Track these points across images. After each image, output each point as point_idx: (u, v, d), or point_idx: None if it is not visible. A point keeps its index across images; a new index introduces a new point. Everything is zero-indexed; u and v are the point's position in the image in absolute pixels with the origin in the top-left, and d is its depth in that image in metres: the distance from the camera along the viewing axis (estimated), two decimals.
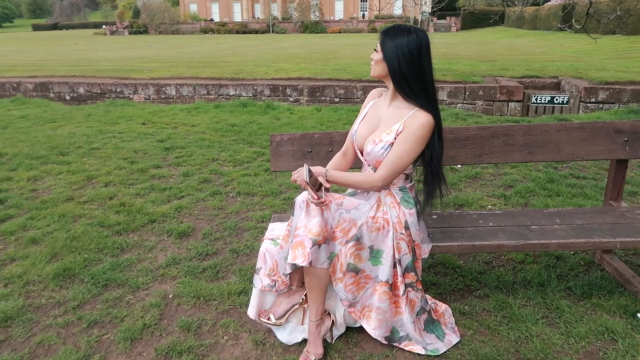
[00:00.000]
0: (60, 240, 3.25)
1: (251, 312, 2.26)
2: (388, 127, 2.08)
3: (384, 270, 2.09)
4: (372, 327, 2.14)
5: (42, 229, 3.46)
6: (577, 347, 2.16)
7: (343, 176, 2.07)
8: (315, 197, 1.92)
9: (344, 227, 2.02)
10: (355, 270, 2.07)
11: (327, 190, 2.00)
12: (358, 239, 2.04)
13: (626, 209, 2.51)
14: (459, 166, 4.70)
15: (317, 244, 1.95)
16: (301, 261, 1.92)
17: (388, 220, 2.07)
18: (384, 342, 2.16)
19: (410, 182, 2.20)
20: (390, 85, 2.10)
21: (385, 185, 2.09)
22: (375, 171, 2.10)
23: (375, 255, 2.08)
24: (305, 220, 1.97)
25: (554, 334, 2.24)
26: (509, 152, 2.55)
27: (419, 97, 2.04)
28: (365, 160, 2.16)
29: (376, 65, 2.08)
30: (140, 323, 2.41)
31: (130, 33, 52.28)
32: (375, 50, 2.09)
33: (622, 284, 2.58)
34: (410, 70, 2.01)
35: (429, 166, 2.11)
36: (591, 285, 2.58)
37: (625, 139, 2.51)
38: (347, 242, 2.03)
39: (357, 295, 2.12)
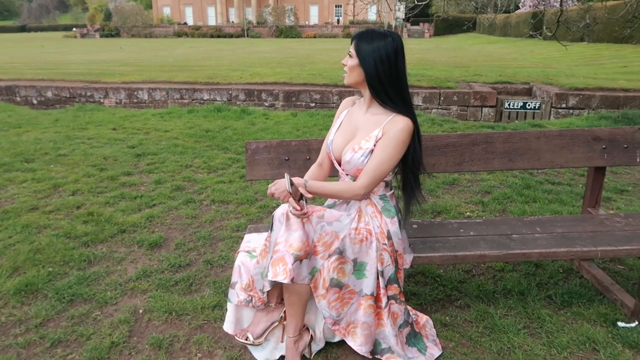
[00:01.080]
0: (22, 253, 3.07)
1: (228, 327, 2.15)
2: (366, 134, 2.02)
3: (368, 284, 2.01)
4: (359, 343, 2.05)
5: (3, 241, 3.28)
6: (559, 358, 2.13)
7: (323, 186, 1.99)
8: (298, 207, 1.84)
9: (326, 240, 1.94)
10: (339, 286, 1.98)
11: (306, 201, 1.92)
12: (341, 252, 1.96)
13: (605, 217, 2.51)
14: None
15: (298, 259, 1.86)
16: (282, 278, 1.83)
17: (370, 230, 2.01)
18: (369, 356, 2.09)
19: (390, 190, 2.14)
20: (367, 91, 2.04)
21: (367, 194, 2.02)
22: (354, 180, 2.04)
23: (359, 268, 2.01)
24: (286, 235, 1.88)
25: (536, 344, 2.21)
26: (489, 160, 2.52)
27: (396, 103, 1.99)
28: (344, 169, 2.09)
29: (351, 72, 2.01)
30: (108, 341, 2.28)
31: (101, 36, 51.27)
32: (349, 55, 2.02)
33: (601, 292, 2.58)
34: (387, 74, 1.96)
35: (411, 171, 2.07)
36: (571, 294, 2.56)
37: (604, 146, 2.51)
38: (329, 255, 1.94)
39: (341, 312, 2.03)
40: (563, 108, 9.81)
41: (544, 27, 7.02)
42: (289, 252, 1.85)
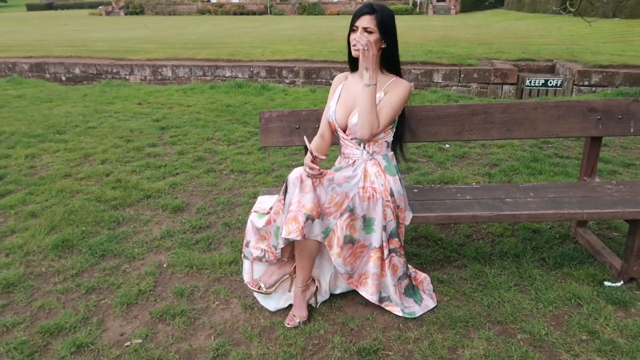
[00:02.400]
0: (58, 214, 3.37)
1: (247, 279, 2.39)
2: None
3: (376, 237, 2.23)
4: (370, 293, 2.28)
5: (40, 204, 3.58)
6: (545, 312, 2.30)
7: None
8: (316, 167, 2.05)
9: (337, 200, 2.15)
10: (351, 242, 2.21)
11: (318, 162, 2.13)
12: (351, 210, 2.18)
13: (597, 184, 2.64)
14: (447, 145, 4.82)
15: (310, 218, 2.08)
16: (295, 235, 2.04)
17: (376, 188, 2.22)
18: (378, 304, 2.31)
19: (391, 151, 2.36)
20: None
21: (380, 132, 2.22)
22: (360, 144, 2.27)
23: (368, 223, 2.23)
24: (299, 196, 2.09)
25: (525, 299, 2.39)
26: (487, 130, 2.66)
27: (398, 68, 2.27)
28: (349, 134, 2.28)
29: (374, 45, 2.13)
30: (135, 289, 2.55)
31: (126, 14, 51.66)
32: (368, 31, 2.14)
33: (593, 255, 2.73)
34: (396, 44, 2.23)
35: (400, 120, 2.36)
36: (563, 257, 2.72)
37: (599, 117, 2.63)
38: (341, 214, 2.16)
39: (354, 266, 2.26)
40: (585, 85, 9.70)
41: (567, 3, 6.93)
42: (301, 211, 2.07)
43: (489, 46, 13.65)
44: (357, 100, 2.24)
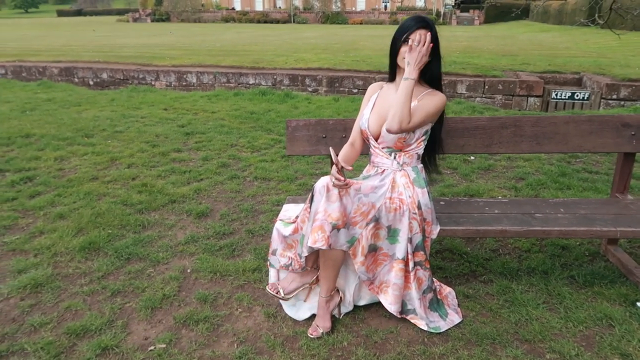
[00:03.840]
0: (85, 216, 3.43)
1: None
2: None
3: (400, 248, 2.22)
4: (389, 302, 2.27)
5: (68, 205, 3.65)
6: (575, 331, 2.24)
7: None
8: (342, 178, 2.04)
9: (364, 210, 2.15)
10: (374, 249, 2.21)
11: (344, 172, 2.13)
12: (377, 220, 2.17)
13: (630, 201, 2.58)
14: (472, 158, 4.77)
15: (336, 227, 2.07)
16: (321, 244, 2.04)
17: (403, 200, 2.20)
18: (398, 316, 2.29)
19: (421, 163, 2.35)
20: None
21: (405, 131, 2.17)
22: (391, 154, 2.28)
23: (392, 234, 2.22)
24: (325, 205, 2.08)
25: (554, 318, 2.33)
26: (517, 143, 2.62)
27: (438, 83, 2.27)
28: (381, 142, 2.28)
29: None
30: (160, 294, 2.57)
31: (152, 20, 52.72)
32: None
33: (625, 274, 2.65)
34: (439, 59, 2.24)
35: (434, 140, 2.36)
36: (594, 275, 2.65)
37: (633, 132, 2.57)
38: (367, 224, 2.15)
39: (375, 272, 2.26)
40: (614, 99, 9.51)
41: (597, 15, 6.82)
42: (327, 221, 2.06)
43: (513, 57, 13.52)
44: (390, 109, 2.24)
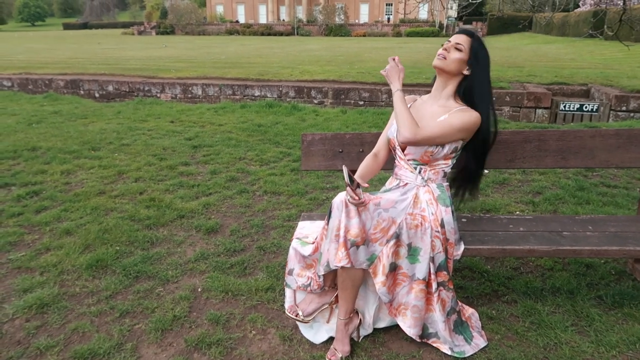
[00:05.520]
0: (92, 232, 3.34)
1: (287, 306, 2.30)
2: (434, 119, 2.15)
3: (421, 268, 2.11)
4: (408, 325, 2.15)
5: (75, 221, 3.56)
6: (608, 356, 2.13)
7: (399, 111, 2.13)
8: (356, 197, 1.95)
9: (383, 226, 2.04)
10: (394, 268, 2.10)
11: (362, 190, 2.03)
12: (398, 237, 2.07)
13: None
14: (486, 171, 4.67)
15: (355, 244, 1.98)
16: (345, 262, 1.95)
17: (425, 217, 2.10)
18: (418, 340, 2.17)
19: (447, 181, 2.25)
20: (451, 85, 2.19)
21: (416, 143, 2.10)
22: (416, 168, 2.19)
23: (412, 252, 2.10)
24: (345, 221, 1.99)
25: (584, 342, 2.22)
26: (541, 158, 2.53)
27: (475, 103, 2.16)
28: (407, 154, 2.19)
29: (453, 62, 2.13)
30: (170, 315, 2.47)
31: (157, 33, 53.13)
32: (457, 48, 2.13)
33: None
34: (484, 80, 2.16)
35: (472, 164, 2.26)
36: (622, 295, 2.54)
37: None
38: (387, 241, 2.05)
39: (394, 293, 2.15)
40: (623, 111, 9.44)
41: (605, 27, 6.76)
42: (346, 238, 1.97)
43: (519, 69, 13.49)
44: (422, 120, 2.16)
